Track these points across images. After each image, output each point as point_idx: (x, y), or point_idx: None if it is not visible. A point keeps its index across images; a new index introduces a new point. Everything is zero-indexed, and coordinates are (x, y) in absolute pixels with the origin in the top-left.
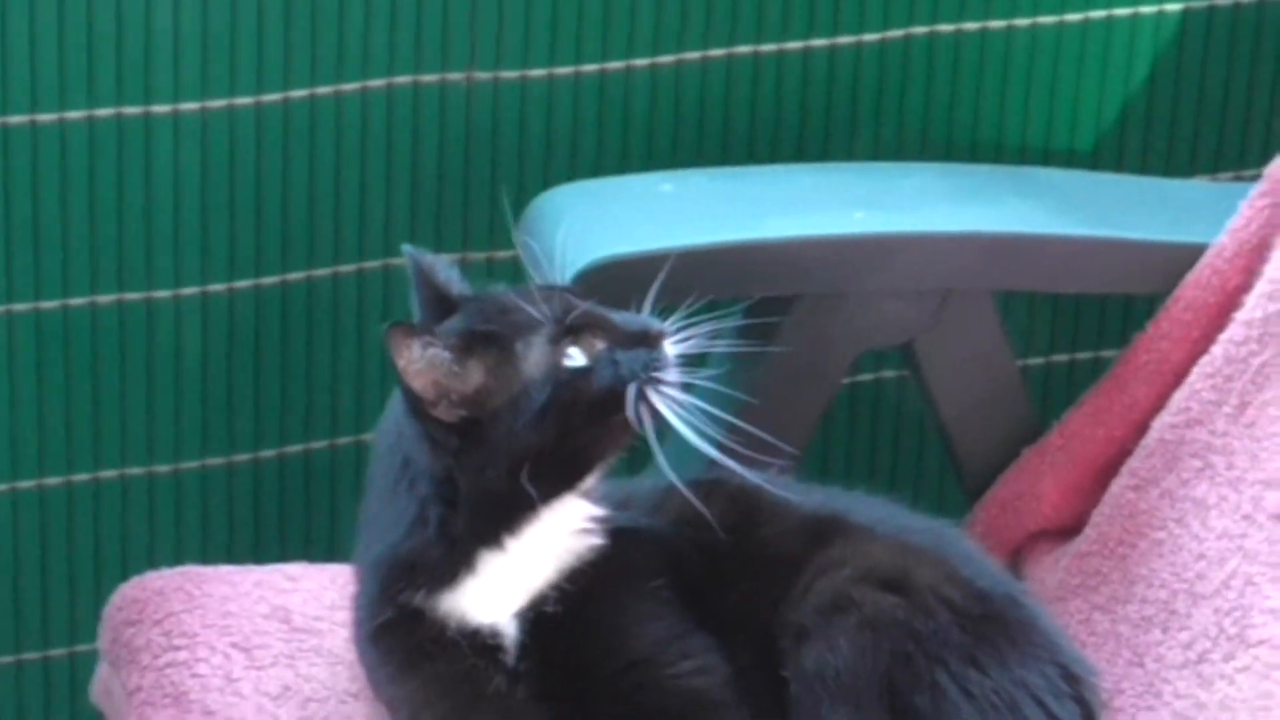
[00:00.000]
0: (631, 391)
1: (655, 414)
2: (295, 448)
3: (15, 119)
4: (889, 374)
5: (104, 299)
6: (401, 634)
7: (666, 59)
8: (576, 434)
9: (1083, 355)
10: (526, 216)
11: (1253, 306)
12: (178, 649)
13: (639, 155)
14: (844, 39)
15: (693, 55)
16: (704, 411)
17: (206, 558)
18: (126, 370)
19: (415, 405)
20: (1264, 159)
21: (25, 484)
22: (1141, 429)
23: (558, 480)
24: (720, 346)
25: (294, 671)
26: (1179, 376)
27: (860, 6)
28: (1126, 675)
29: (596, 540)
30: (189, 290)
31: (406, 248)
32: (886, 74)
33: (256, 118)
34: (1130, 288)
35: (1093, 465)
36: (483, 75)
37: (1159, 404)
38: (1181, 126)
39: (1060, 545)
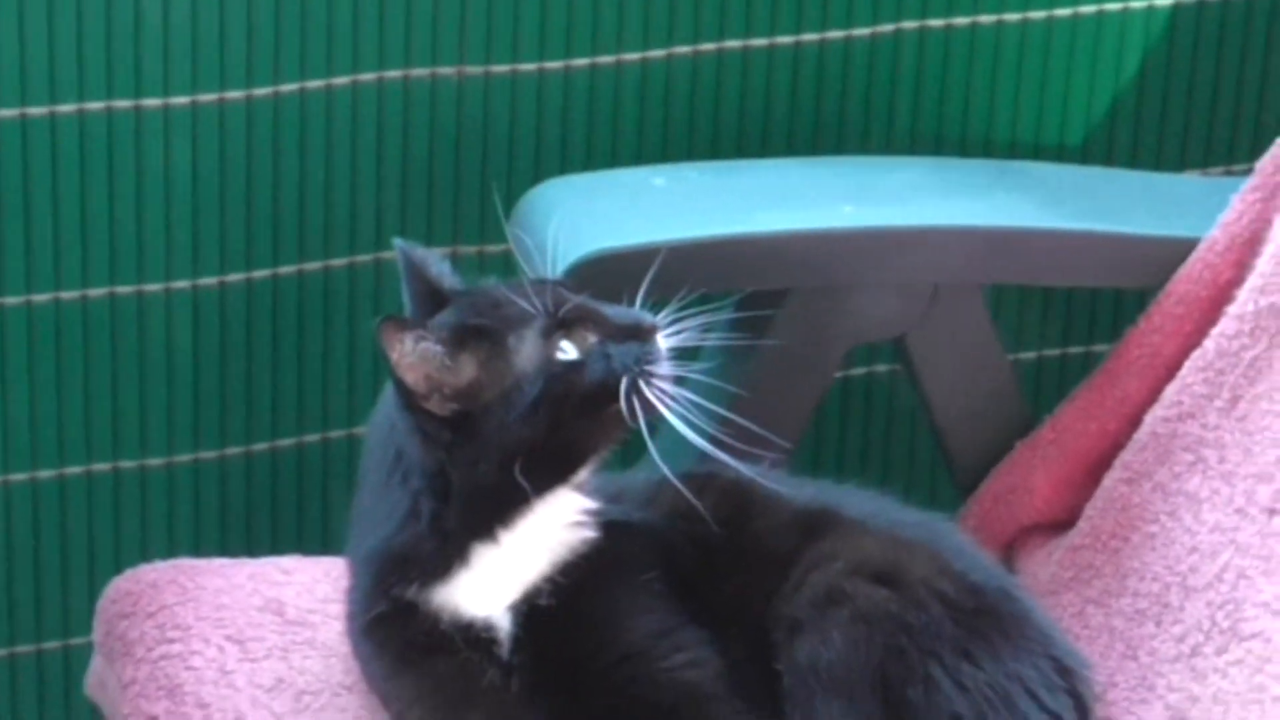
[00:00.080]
0: (624, 385)
1: (648, 407)
2: (288, 441)
3: (6, 112)
4: (881, 368)
5: (95, 292)
6: (395, 627)
7: (657, 53)
8: (569, 427)
9: (1074, 349)
10: (518, 210)
11: (1244, 300)
12: (171, 642)
13: (630, 149)
14: (834, 34)
15: (683, 50)
16: (696, 405)
17: (200, 551)
18: (118, 363)
19: (407, 399)
20: (1254, 153)
21: (18, 477)
22: (1134, 423)
23: (550, 473)
24: (712, 340)
25: (288, 664)
26: (1171, 370)
27: (850, 1)
28: (1120, 668)
29: (589, 533)
30: (180, 284)
31: (398, 241)
32: (876, 69)
33: (247, 111)
34: (1122, 282)
35: (1085, 459)
36: (473, 69)
37: (1151, 398)
38: (1172, 121)
39: (1053, 539)
